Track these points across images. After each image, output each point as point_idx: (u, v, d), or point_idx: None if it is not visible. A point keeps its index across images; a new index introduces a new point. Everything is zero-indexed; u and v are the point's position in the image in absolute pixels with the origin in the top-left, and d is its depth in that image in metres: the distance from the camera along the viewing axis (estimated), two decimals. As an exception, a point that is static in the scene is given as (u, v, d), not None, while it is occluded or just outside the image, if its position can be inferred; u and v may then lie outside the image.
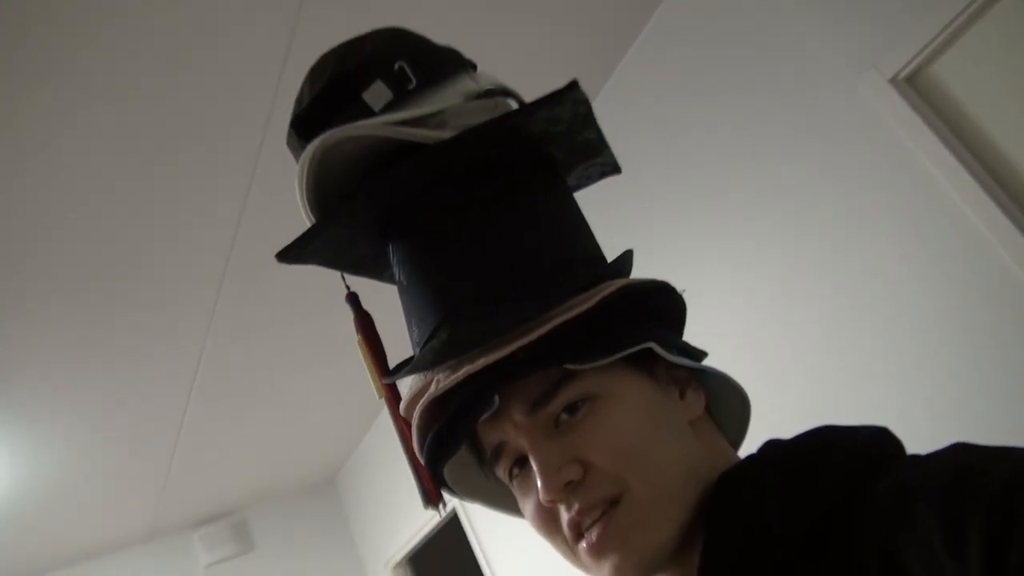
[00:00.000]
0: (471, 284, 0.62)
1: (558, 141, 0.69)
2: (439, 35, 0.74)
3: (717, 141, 2.11)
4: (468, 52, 0.74)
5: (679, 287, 0.65)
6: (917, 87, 1.72)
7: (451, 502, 3.61)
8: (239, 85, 1.85)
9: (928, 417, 1.69)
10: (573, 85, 0.65)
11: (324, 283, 2.72)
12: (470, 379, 0.57)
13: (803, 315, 1.95)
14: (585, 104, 0.67)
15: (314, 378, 3.38)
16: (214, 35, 1.70)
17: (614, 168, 0.78)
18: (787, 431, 0.60)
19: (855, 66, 1.79)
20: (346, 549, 4.52)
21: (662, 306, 0.65)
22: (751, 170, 2.04)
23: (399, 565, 4.22)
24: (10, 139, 1.72)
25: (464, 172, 0.65)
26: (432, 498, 0.67)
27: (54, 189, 1.90)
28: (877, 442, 0.56)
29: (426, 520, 3.84)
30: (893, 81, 1.72)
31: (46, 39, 1.55)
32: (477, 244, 0.63)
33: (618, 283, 0.60)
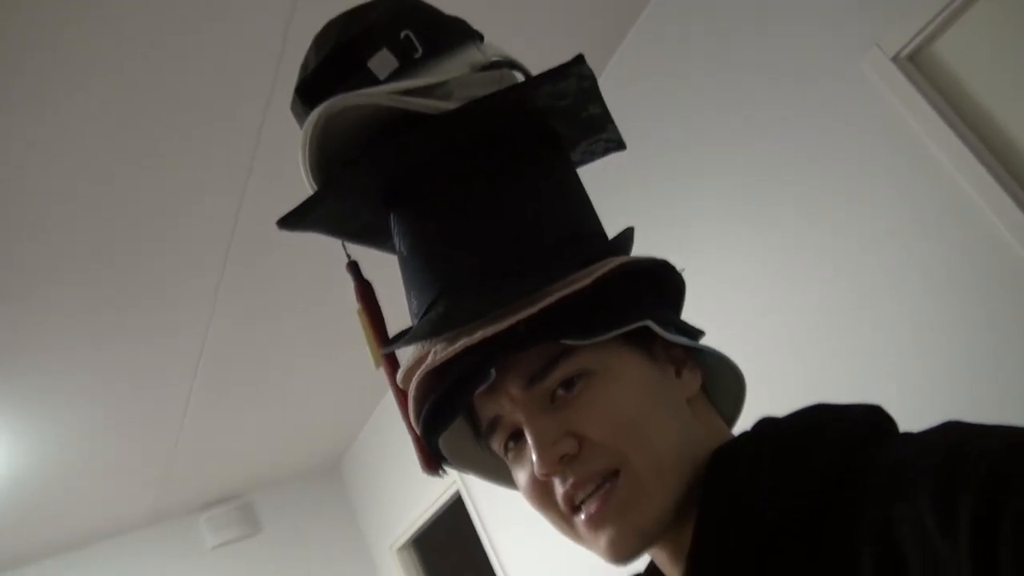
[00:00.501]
0: (471, 256, 0.62)
1: (563, 115, 0.69)
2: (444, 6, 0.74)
3: (716, 121, 2.10)
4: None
5: (678, 266, 0.65)
6: (919, 65, 1.71)
7: (455, 483, 3.63)
8: (240, 61, 1.84)
9: (927, 399, 1.69)
10: (579, 59, 0.65)
11: (328, 267, 2.74)
12: (467, 351, 0.57)
13: (803, 299, 1.95)
14: (590, 79, 0.67)
15: (318, 362, 3.39)
16: (215, 9, 1.69)
17: (619, 144, 0.78)
18: (785, 412, 0.60)
19: (858, 44, 1.77)
20: (351, 532, 4.56)
21: (661, 284, 0.65)
22: (750, 150, 2.03)
23: (404, 547, 4.25)
24: (2, 119, 1.73)
25: (468, 144, 0.65)
26: (428, 465, 0.67)
27: (53, 173, 1.91)
28: (870, 419, 0.56)
29: (430, 503, 3.86)
30: (896, 59, 1.71)
31: (36, 12, 1.54)
32: (479, 216, 0.63)
33: (618, 260, 0.60)
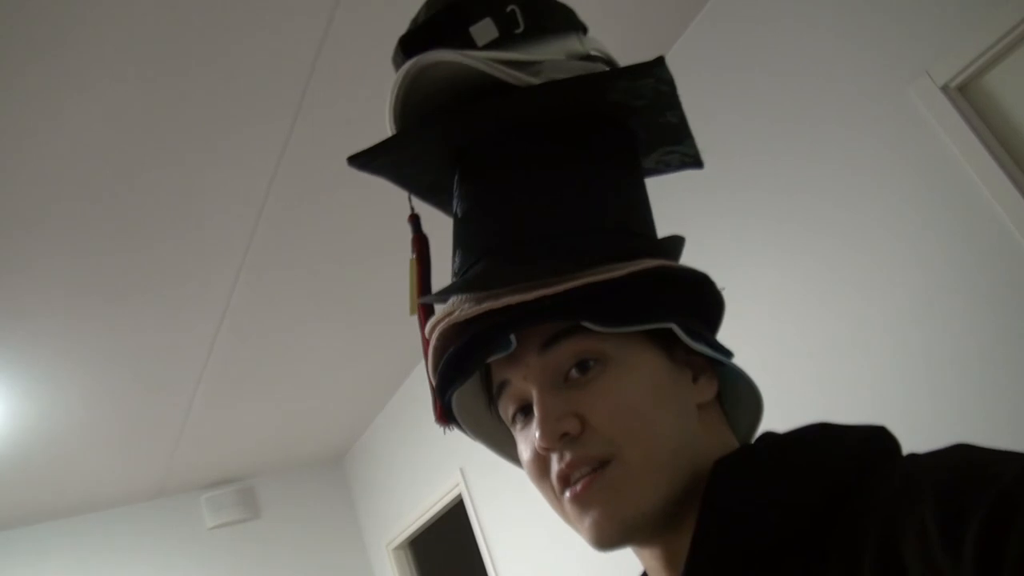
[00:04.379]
0: (518, 228, 0.64)
1: (640, 117, 0.71)
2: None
3: (760, 140, 2.08)
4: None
5: (719, 284, 0.65)
6: (968, 96, 1.68)
7: (457, 487, 3.61)
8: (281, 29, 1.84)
9: (960, 426, 1.65)
10: (659, 61, 0.66)
11: (351, 261, 2.75)
12: (489, 314, 0.59)
13: (836, 323, 1.92)
14: (669, 84, 0.68)
15: (332, 355, 3.40)
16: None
17: (695, 161, 0.78)
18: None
19: (908, 71, 1.75)
20: (350, 527, 4.55)
21: (699, 296, 0.66)
22: (792, 172, 2.01)
23: (400, 547, 4.23)
24: (41, 80, 1.75)
25: (540, 123, 0.67)
26: (439, 417, 0.69)
27: (85, 130, 1.93)
28: (874, 439, 0.56)
29: (431, 504, 3.84)
30: (944, 89, 1.69)
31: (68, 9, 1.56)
32: (534, 193, 0.65)
33: (656, 261, 0.61)
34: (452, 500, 3.74)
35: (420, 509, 3.93)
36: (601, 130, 0.68)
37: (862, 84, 1.84)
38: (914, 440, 0.58)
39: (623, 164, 0.69)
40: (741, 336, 2.00)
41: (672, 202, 2.25)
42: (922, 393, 1.74)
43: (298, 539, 4.34)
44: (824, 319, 1.94)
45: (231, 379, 3.34)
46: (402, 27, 0.71)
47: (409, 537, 4.15)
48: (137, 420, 3.38)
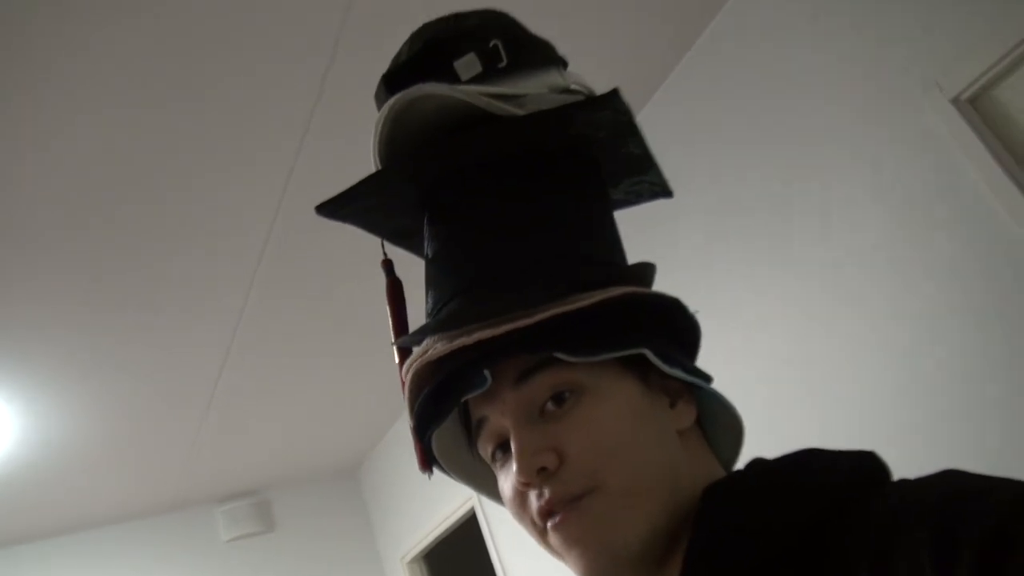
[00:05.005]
0: (488, 265, 0.65)
1: (602, 149, 0.71)
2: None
3: (765, 156, 2.07)
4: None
5: (692, 308, 0.66)
6: (979, 108, 1.66)
7: (470, 500, 3.60)
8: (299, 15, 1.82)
9: (964, 458, 1.62)
10: (613, 93, 0.67)
11: (364, 276, 2.76)
12: (462, 351, 0.60)
13: (830, 343, 1.90)
14: (626, 114, 0.69)
15: (345, 369, 3.41)
16: None
17: (663, 190, 0.79)
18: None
19: (918, 83, 1.74)
20: (365, 540, 4.55)
21: (671, 321, 0.66)
22: (798, 186, 1.99)
23: (414, 561, 4.23)
24: (58, 96, 1.77)
25: (505, 159, 0.68)
26: (421, 462, 0.70)
27: (101, 147, 1.95)
28: (864, 464, 0.56)
29: (444, 518, 3.84)
30: (955, 101, 1.67)
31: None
32: (501, 228, 0.66)
33: (626, 288, 0.62)
34: (465, 513, 3.73)
35: (434, 522, 3.92)
36: (565, 162, 0.69)
37: (872, 97, 1.83)
38: (910, 461, 0.57)
39: (589, 194, 0.70)
40: (742, 353, 1.99)
41: (682, 223, 2.25)
42: (931, 415, 1.71)
43: (313, 552, 4.34)
44: (821, 336, 1.93)
45: (244, 394, 3.35)
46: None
47: (423, 551, 4.14)
48: (153, 434, 3.41)
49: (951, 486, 0.48)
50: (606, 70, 2.14)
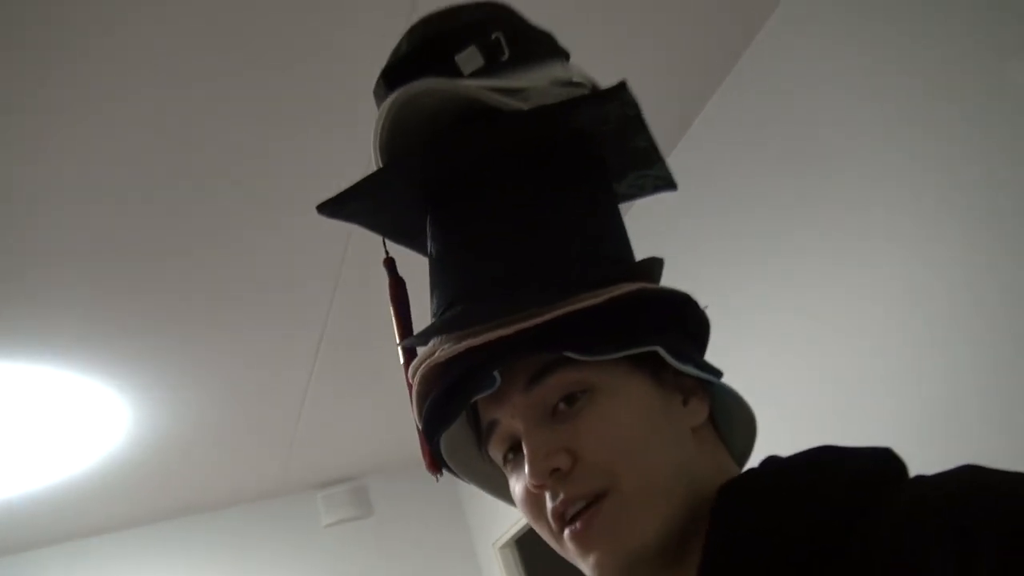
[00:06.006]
0: (494, 263, 0.63)
1: (608, 142, 0.70)
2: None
3: (824, 154, 1.99)
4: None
5: (702, 303, 0.64)
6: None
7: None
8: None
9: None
10: (621, 86, 0.65)
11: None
12: (470, 352, 0.59)
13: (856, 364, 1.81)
14: (634, 107, 0.67)
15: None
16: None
17: (668, 183, 0.77)
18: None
19: (1000, 53, 1.63)
20: (458, 525, 4.65)
21: (682, 317, 0.64)
22: (853, 184, 1.91)
23: (506, 546, 4.29)
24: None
25: (507, 154, 0.67)
26: (430, 464, 0.69)
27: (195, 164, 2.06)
28: (881, 460, 0.55)
29: (533, 504, 3.87)
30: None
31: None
32: (507, 226, 0.64)
33: (636, 285, 0.60)
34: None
35: (523, 508, 3.97)
36: (570, 157, 0.67)
37: (949, 71, 1.73)
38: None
39: (594, 190, 0.68)
40: (776, 355, 1.93)
41: (728, 219, 2.19)
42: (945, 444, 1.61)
43: (409, 536, 4.48)
44: (848, 365, 1.84)
45: (337, 385, 3.48)
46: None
47: (514, 536, 4.20)
48: (256, 425, 3.59)
49: (968, 483, 0.47)
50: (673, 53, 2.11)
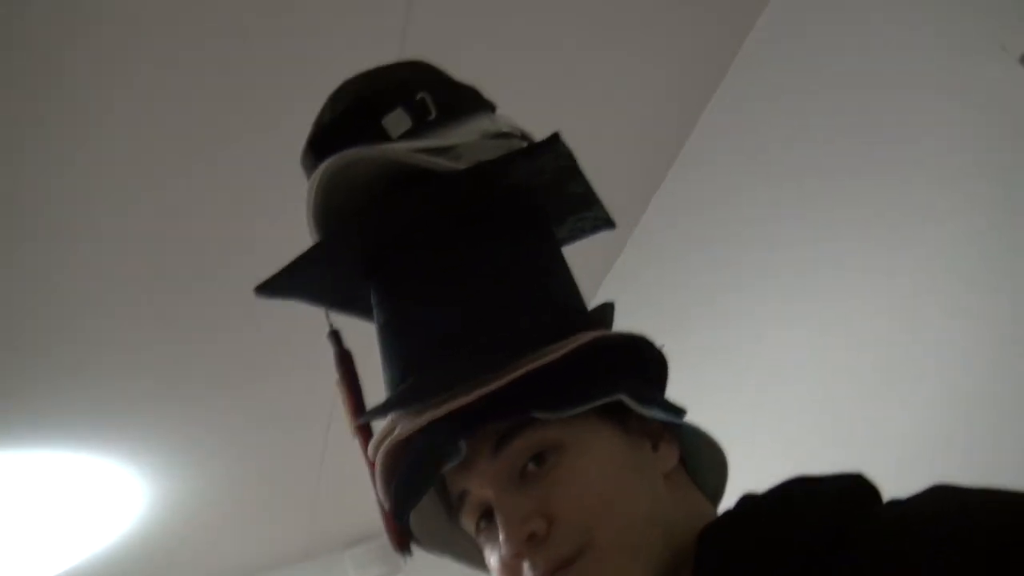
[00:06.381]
0: (442, 328, 0.62)
1: (545, 191, 0.69)
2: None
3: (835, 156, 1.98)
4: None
5: (657, 343, 0.63)
6: (1049, 67, 1.53)
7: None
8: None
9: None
10: (554, 138, 0.65)
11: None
12: (433, 425, 0.58)
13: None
14: (568, 157, 0.67)
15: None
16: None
17: (606, 222, 0.77)
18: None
19: (979, 46, 1.62)
20: None
21: (641, 359, 0.64)
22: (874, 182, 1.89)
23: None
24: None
25: (446, 216, 0.66)
26: (399, 543, 0.68)
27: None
28: (854, 488, 0.55)
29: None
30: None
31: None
32: (453, 288, 0.64)
33: (592, 334, 0.60)
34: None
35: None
36: (510, 211, 0.67)
37: (934, 64, 1.72)
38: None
39: (538, 240, 0.68)
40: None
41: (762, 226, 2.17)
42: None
43: (440, 589, 4.40)
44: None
45: (354, 443, 3.46)
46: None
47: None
48: (277, 490, 3.57)
49: (944, 500, 0.47)
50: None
